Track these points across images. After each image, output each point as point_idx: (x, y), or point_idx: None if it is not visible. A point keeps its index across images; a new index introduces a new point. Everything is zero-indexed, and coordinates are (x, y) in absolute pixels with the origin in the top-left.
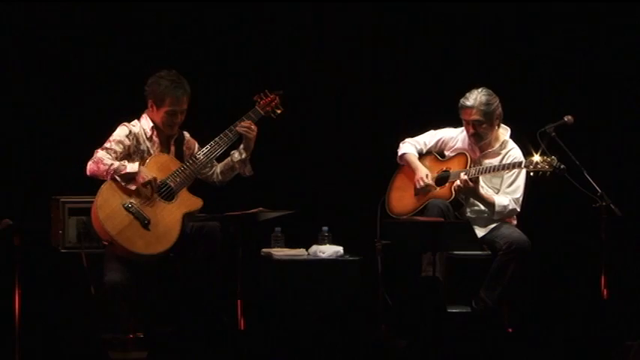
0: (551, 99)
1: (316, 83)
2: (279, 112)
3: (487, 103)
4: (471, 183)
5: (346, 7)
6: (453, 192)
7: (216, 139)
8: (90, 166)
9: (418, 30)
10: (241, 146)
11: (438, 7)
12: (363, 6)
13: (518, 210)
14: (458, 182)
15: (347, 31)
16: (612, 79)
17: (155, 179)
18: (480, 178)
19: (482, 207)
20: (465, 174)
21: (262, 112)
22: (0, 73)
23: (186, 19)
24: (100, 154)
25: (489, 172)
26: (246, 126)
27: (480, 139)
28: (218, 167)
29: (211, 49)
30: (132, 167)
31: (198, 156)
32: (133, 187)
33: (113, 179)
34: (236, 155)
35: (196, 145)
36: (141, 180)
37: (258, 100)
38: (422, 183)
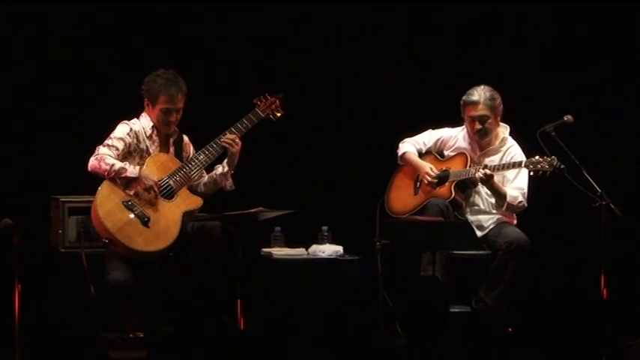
0: (551, 98)
1: (316, 83)
2: (279, 114)
3: (492, 98)
4: (492, 175)
5: (345, 8)
6: (453, 191)
7: (208, 146)
8: (92, 163)
9: (418, 30)
10: (225, 160)
11: (437, 7)
12: (363, 7)
13: (526, 205)
14: (479, 174)
15: (347, 32)
16: (611, 78)
17: (156, 183)
18: None
19: (483, 207)
20: (470, 172)
21: (262, 115)
22: (0, 73)
23: (187, 19)
24: (102, 150)
25: (492, 170)
26: (231, 139)
27: (486, 134)
28: (205, 178)
29: (212, 50)
30: (132, 172)
31: (198, 157)
32: (132, 192)
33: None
34: (219, 169)
35: (192, 150)
36: (142, 187)
37: (258, 102)
38: (429, 178)
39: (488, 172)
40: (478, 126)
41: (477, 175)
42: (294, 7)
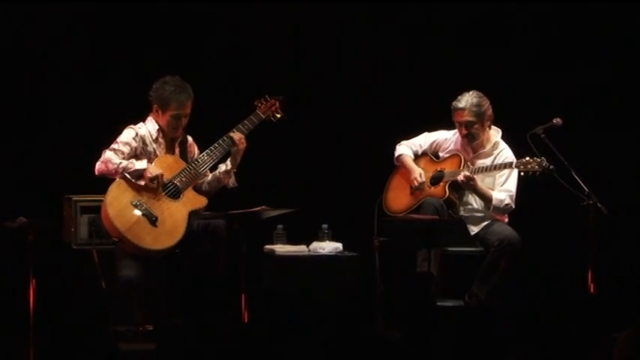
0: (541, 102)
1: (316, 84)
2: (279, 116)
3: (478, 105)
4: (473, 178)
5: (344, 9)
6: (447, 191)
7: (212, 147)
8: (99, 166)
9: (415, 32)
10: (229, 159)
11: (433, 9)
12: (362, 7)
13: (513, 207)
14: (460, 177)
15: (347, 33)
16: (602, 81)
17: (162, 175)
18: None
19: (475, 205)
20: (462, 173)
21: (263, 117)
22: (12, 76)
23: (189, 22)
24: (107, 154)
25: (483, 171)
26: (238, 137)
27: (473, 139)
28: (209, 177)
29: (213, 53)
30: (140, 164)
31: (202, 157)
32: (142, 183)
33: (122, 177)
34: (223, 167)
35: (196, 150)
36: (148, 175)
37: (259, 105)
38: (416, 183)
39: (468, 175)
40: (464, 131)
41: (457, 178)
42: (294, 8)
